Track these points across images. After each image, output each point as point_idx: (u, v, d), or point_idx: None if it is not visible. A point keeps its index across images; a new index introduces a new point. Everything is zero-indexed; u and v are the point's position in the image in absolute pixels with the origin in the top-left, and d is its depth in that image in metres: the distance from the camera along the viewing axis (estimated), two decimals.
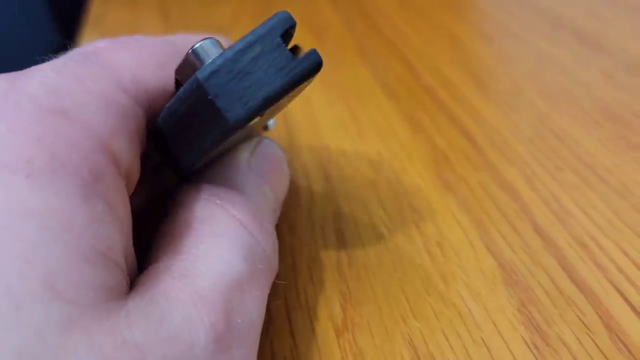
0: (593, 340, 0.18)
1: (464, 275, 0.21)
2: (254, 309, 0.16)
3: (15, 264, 0.12)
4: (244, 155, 0.20)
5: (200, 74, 0.15)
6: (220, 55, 0.15)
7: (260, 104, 0.15)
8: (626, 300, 0.19)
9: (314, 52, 0.16)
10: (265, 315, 0.20)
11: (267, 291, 0.18)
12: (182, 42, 0.19)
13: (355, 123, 0.31)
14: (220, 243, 0.17)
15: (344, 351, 0.19)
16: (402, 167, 0.27)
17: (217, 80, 0.15)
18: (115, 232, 0.14)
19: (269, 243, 0.18)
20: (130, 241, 0.16)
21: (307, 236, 0.24)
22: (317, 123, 0.31)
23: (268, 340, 0.20)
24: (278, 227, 0.24)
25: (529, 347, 0.18)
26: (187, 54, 0.16)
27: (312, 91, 0.35)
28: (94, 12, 0.49)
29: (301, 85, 0.16)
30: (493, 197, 0.25)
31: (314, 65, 0.16)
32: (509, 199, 0.25)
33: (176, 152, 0.17)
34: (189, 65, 0.16)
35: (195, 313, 0.15)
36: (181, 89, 0.16)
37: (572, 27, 0.38)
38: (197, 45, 0.16)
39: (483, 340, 0.19)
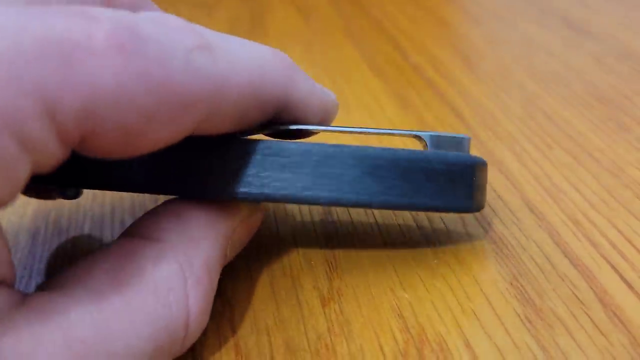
0: (588, 315, 0.18)
1: (454, 248, 0.20)
2: None
3: None
4: (232, 224, 0.18)
5: (475, 161, 0.19)
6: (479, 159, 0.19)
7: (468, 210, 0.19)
8: (620, 276, 0.19)
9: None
10: (247, 282, 0.20)
11: None
12: None
13: (342, 99, 0.31)
14: (137, 315, 0.14)
15: (330, 320, 0.18)
16: (390, 141, 0.27)
17: (478, 173, 0.19)
18: None
19: (194, 337, 0.16)
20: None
21: (293, 206, 0.23)
22: None
23: (250, 307, 0.19)
24: None
25: (521, 320, 0.18)
26: (464, 138, 0.19)
27: None
28: None
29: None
30: None
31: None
32: (499, 174, 0.24)
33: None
34: (452, 142, 0.19)
35: None
36: (443, 153, 0.18)
37: (561, 13, 0.38)
38: (469, 138, 0.20)
39: (474, 312, 0.18)
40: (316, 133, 0.20)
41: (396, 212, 0.22)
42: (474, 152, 0.25)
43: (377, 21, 0.40)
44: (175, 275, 0.15)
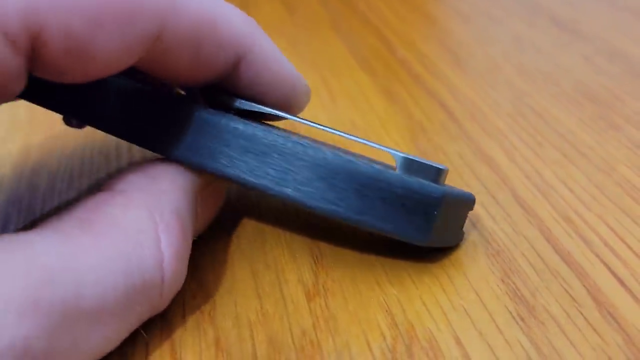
0: (581, 313, 0.17)
1: None
2: (97, 343, 0.14)
3: None
4: (199, 182, 0.18)
5: (445, 193, 0.17)
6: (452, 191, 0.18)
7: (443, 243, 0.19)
8: (613, 273, 0.18)
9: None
10: (229, 276, 0.19)
11: (128, 328, 0.15)
12: None
13: (330, 93, 0.30)
14: (106, 251, 0.14)
15: (315, 316, 0.17)
16: (378, 135, 0.26)
17: (447, 208, 0.18)
18: None
19: (174, 285, 0.16)
20: None
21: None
22: None
23: (232, 301, 0.18)
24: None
25: (513, 317, 0.17)
26: (440, 168, 0.18)
27: None
28: None
29: None
30: (472, 168, 0.24)
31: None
32: (489, 170, 0.23)
33: None
34: (426, 171, 0.17)
35: (11, 321, 0.12)
36: (408, 177, 0.17)
37: (550, 13, 0.38)
38: (447, 169, 0.18)
39: (464, 309, 0.17)
40: (280, 119, 0.20)
41: None
42: (463, 147, 0.25)
43: (364, 16, 0.40)
44: (145, 219, 0.15)
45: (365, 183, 0.17)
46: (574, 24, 0.36)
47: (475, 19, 0.38)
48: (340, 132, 0.19)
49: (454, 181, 0.23)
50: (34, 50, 0.14)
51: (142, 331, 0.16)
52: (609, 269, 0.19)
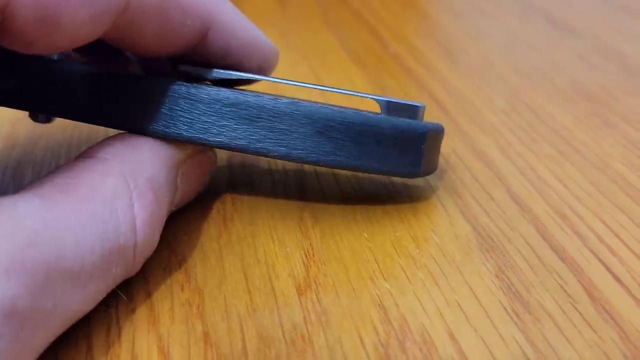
0: (576, 309, 0.17)
1: (437, 238, 0.20)
2: (77, 303, 0.14)
3: None
4: (179, 155, 0.18)
5: (427, 128, 0.19)
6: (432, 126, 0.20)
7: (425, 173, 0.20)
8: (608, 269, 0.18)
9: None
10: (219, 269, 0.18)
11: (105, 290, 0.16)
12: None
13: (320, 84, 0.30)
14: (85, 216, 0.15)
15: (307, 310, 0.17)
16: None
17: (430, 140, 0.19)
18: None
19: (145, 249, 0.17)
20: None
21: (267, 193, 0.22)
22: None
23: (221, 295, 0.18)
24: (238, 183, 0.22)
25: (508, 313, 0.17)
26: (419, 106, 0.19)
27: None
28: None
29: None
30: (466, 164, 0.23)
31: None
32: (483, 166, 0.23)
33: None
34: (407, 109, 0.19)
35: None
36: (396, 119, 0.19)
37: (543, 11, 0.38)
38: (424, 105, 0.20)
39: (458, 303, 0.17)
40: (254, 82, 0.21)
41: (378, 200, 0.21)
42: (457, 142, 0.25)
43: (356, 10, 0.39)
44: (121, 186, 0.16)
45: (360, 130, 0.18)
46: (567, 22, 0.36)
47: (467, 14, 0.38)
48: (319, 85, 0.20)
49: (448, 175, 0.23)
50: (3, 18, 0.14)
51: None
52: (604, 265, 0.18)
